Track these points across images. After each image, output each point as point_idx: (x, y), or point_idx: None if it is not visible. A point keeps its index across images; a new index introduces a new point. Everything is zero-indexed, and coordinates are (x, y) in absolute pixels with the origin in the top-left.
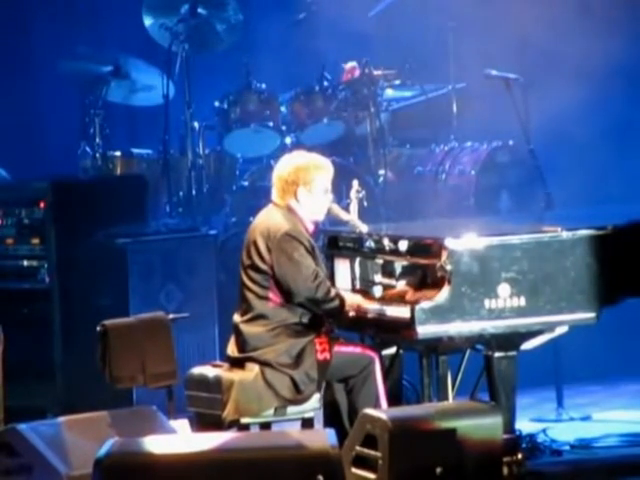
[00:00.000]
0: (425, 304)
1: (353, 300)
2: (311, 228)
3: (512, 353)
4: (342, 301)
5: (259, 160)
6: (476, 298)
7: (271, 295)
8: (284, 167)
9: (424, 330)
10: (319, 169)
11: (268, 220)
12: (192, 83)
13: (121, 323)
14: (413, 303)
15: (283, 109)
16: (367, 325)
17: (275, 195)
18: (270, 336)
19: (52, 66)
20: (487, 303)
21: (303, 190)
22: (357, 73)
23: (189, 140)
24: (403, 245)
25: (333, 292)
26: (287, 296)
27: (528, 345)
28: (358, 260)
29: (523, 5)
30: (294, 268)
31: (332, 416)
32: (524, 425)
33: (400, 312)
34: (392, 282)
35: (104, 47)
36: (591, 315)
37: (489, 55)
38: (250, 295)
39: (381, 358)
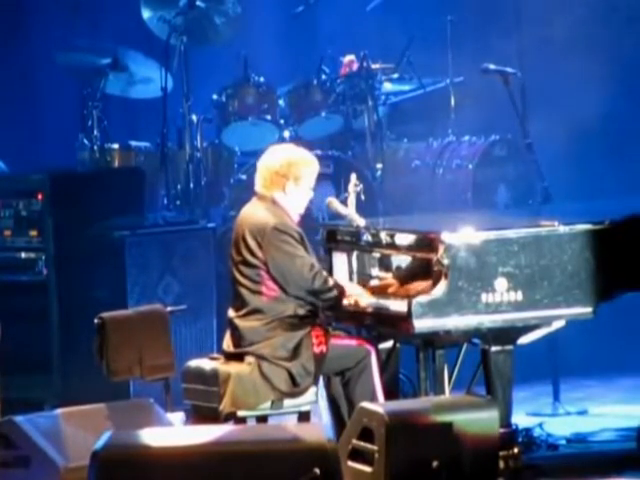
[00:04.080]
0: (422, 298)
1: (354, 290)
2: (296, 220)
3: (509, 347)
4: (341, 290)
5: (257, 153)
6: (473, 292)
7: (264, 289)
8: (274, 158)
9: (421, 324)
10: (309, 165)
11: (254, 215)
12: (190, 76)
13: (119, 315)
14: (403, 296)
15: (281, 102)
16: (364, 318)
17: (260, 185)
18: (266, 330)
19: (50, 58)
20: (484, 297)
21: (292, 184)
22: (355, 66)
23: (187, 133)
24: (400, 239)
25: (331, 282)
26: (285, 289)
27: (525, 339)
28: (355, 254)
29: None
30: (288, 261)
31: (332, 409)
32: (520, 419)
33: (397, 306)
34: (389, 276)
35: (102, 39)
36: (588, 309)
37: (487, 49)
38: (243, 290)
39: (377, 351)
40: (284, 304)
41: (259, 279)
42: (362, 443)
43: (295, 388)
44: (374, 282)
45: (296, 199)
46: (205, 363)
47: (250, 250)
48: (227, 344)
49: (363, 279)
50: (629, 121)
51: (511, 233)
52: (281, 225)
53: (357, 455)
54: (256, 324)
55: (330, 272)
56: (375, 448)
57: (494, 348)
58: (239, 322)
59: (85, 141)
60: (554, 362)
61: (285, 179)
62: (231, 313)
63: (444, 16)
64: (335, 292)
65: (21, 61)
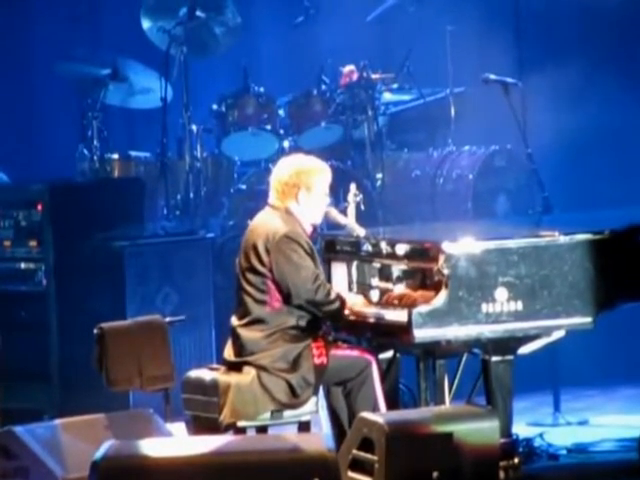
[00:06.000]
0: (422, 308)
1: (354, 302)
2: (309, 230)
3: (509, 357)
4: (342, 303)
5: (257, 163)
6: (473, 302)
7: (269, 299)
8: (284, 170)
9: (421, 334)
10: (320, 172)
11: (266, 223)
12: (190, 86)
13: (118, 326)
14: (410, 306)
15: (281, 112)
16: (364, 329)
17: (273, 198)
18: (267, 342)
19: (50, 68)
20: (484, 307)
21: (304, 193)
22: (355, 77)
23: (187, 143)
24: (400, 249)
25: (333, 294)
26: (287, 298)
27: (525, 349)
28: (355, 264)
29: (521, 9)
30: (293, 270)
31: (332, 419)
32: (521, 429)
33: (397, 316)
34: (389, 286)
35: (102, 50)
36: (588, 320)
37: (487, 59)
38: (248, 299)
39: (378, 361)
40: (286, 315)
41: (265, 288)
42: (362, 453)
43: (295, 399)
44: (397, 291)
45: (310, 208)
46: (205, 374)
47: (259, 257)
48: (228, 353)
49: (363, 289)
50: (630, 131)
51: (511, 243)
52: (292, 233)
53: (357, 465)
54: (258, 335)
55: (329, 282)
56: (375, 458)
57: (494, 358)
58: (241, 331)
59: (85, 151)
60: (554, 372)
61: (296, 189)
62: (234, 321)
63: (444, 26)
64: (337, 305)
65: (21, 71)
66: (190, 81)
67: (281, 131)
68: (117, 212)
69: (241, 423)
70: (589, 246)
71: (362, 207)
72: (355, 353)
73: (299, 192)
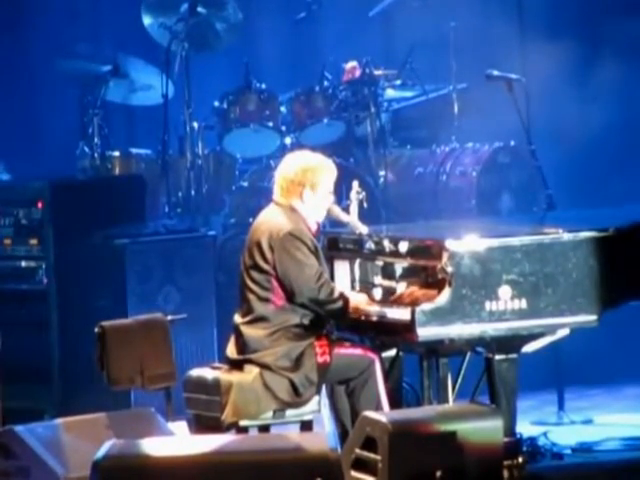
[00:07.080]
0: (425, 306)
1: (357, 301)
2: (314, 228)
3: (513, 356)
4: (346, 302)
5: (259, 160)
6: (477, 300)
7: (272, 297)
8: (290, 167)
9: (424, 332)
10: (326, 171)
11: (270, 220)
12: (191, 83)
13: (119, 324)
14: (414, 304)
15: (283, 109)
16: (367, 327)
17: (278, 194)
18: (270, 340)
19: (51, 65)
20: (488, 305)
21: (309, 191)
22: (358, 73)
23: (188, 140)
24: (403, 246)
25: (337, 293)
26: (290, 296)
27: (529, 348)
28: (358, 262)
29: (525, 4)
30: (297, 268)
31: (335, 418)
32: (525, 428)
33: (400, 314)
34: (392, 284)
35: (103, 46)
36: (593, 318)
37: (490, 55)
38: (251, 296)
39: (381, 359)
40: (290, 313)
41: (268, 286)
42: (365, 452)
43: (297, 398)
44: (400, 290)
45: (314, 206)
46: (207, 372)
47: (263, 254)
48: (231, 350)
49: (366, 287)
50: (634, 128)
51: (515, 240)
52: (296, 231)
53: (360, 465)
54: (261, 333)
55: (331, 280)
56: (378, 457)
57: (498, 357)
58: (244, 329)
59: (86, 149)
60: (558, 371)
61: (301, 187)
62: (237, 319)
63: (447, 22)
64: (340, 304)
65: (22, 68)
66: (191, 78)
67: (283, 128)
68: (118, 210)
69: (243, 422)
70: (593, 244)
71: (365, 204)
72: (358, 352)
73: (304, 190)
